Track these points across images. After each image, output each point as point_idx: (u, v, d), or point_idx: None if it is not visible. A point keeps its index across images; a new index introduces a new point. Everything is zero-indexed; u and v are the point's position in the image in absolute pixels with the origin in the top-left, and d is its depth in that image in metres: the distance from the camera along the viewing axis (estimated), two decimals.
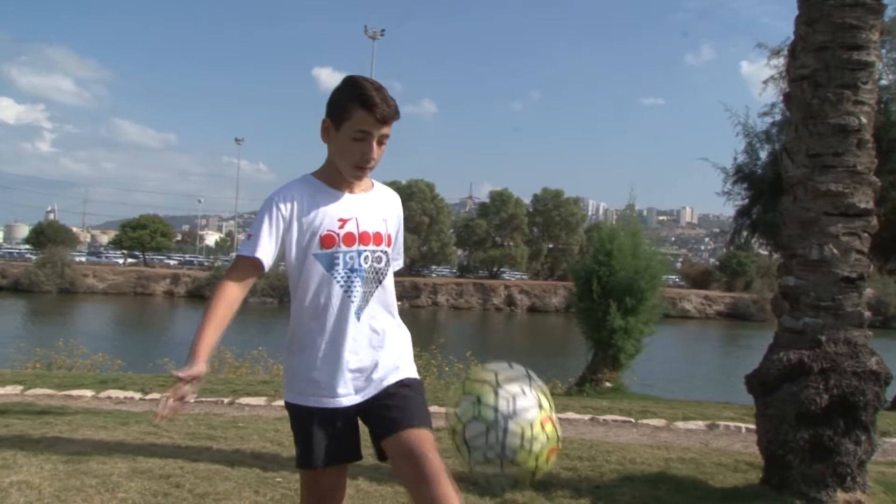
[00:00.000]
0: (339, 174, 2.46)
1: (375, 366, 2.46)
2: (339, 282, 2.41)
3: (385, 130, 2.38)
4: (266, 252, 2.38)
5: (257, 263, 2.38)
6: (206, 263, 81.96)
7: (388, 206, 2.58)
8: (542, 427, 2.14)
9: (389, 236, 2.53)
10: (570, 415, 8.40)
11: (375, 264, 2.47)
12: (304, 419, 2.48)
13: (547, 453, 2.14)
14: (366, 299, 2.45)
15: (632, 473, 5.36)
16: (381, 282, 2.49)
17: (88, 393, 9.04)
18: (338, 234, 2.41)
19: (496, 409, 2.16)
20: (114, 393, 9.09)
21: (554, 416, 2.21)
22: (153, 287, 65.86)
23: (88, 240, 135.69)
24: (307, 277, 2.42)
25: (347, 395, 2.44)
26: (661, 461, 5.80)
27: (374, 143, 2.37)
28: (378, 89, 2.34)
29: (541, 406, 2.18)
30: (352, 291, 2.42)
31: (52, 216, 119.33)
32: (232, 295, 2.37)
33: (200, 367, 2.30)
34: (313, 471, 2.51)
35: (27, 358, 14.47)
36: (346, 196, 2.47)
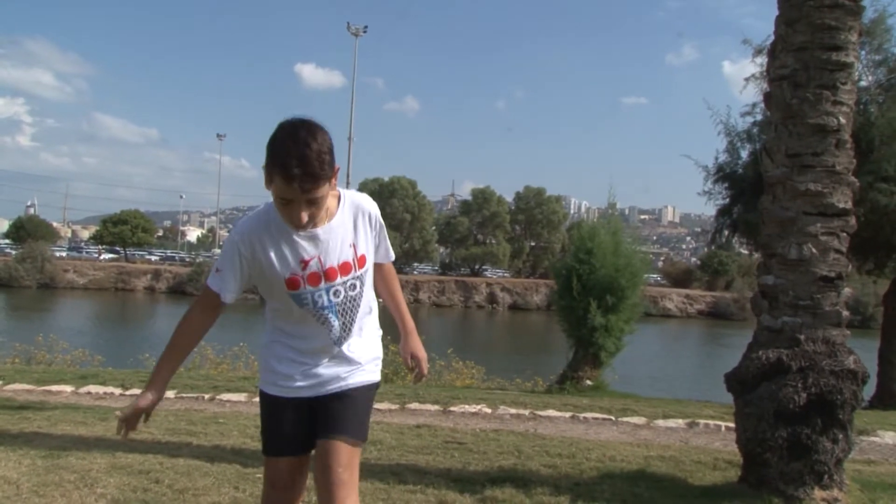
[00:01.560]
0: None
1: (338, 372, 2.53)
2: (314, 316, 2.47)
3: (310, 195, 2.24)
4: (230, 289, 2.45)
5: (221, 298, 2.47)
6: (187, 259, 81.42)
7: (356, 225, 2.50)
8: None
9: (363, 257, 2.50)
10: (551, 412, 8.43)
11: (349, 292, 2.48)
12: (266, 406, 2.60)
13: None
14: (346, 329, 2.50)
15: (612, 471, 5.38)
16: (359, 306, 2.51)
17: (68, 388, 8.99)
18: (302, 276, 2.40)
19: None
20: (94, 388, 9.05)
21: None
22: (134, 283, 65.44)
23: (69, 235, 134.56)
24: (283, 304, 2.49)
25: (305, 386, 2.51)
26: (641, 459, 5.83)
27: (302, 207, 2.26)
28: (300, 154, 2.18)
29: None
30: (329, 324, 2.48)
31: (32, 211, 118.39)
32: (195, 324, 2.49)
33: (152, 396, 2.44)
34: (267, 458, 2.61)
35: (6, 353, 14.33)
36: (306, 234, 2.39)
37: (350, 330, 2.51)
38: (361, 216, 2.50)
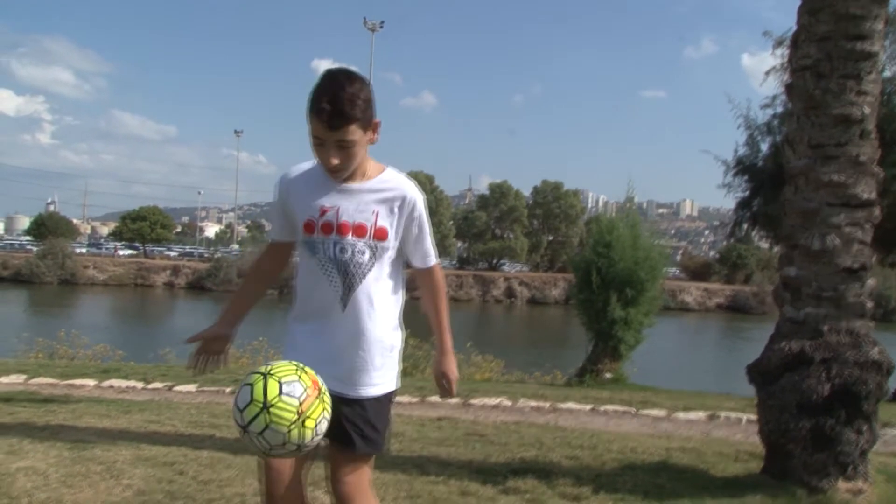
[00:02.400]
0: None
1: (351, 367, 2.45)
2: (322, 269, 2.42)
3: (340, 136, 2.28)
4: (276, 229, 2.59)
5: (271, 244, 2.64)
6: (206, 255, 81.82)
7: (385, 197, 2.45)
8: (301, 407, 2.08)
9: (383, 229, 2.43)
10: (571, 405, 8.43)
11: (357, 256, 2.42)
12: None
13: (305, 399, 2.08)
14: (348, 290, 2.42)
15: (633, 462, 5.38)
16: (364, 276, 2.43)
17: (91, 382, 9.08)
18: (316, 223, 2.41)
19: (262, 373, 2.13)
20: (116, 382, 9.14)
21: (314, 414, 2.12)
22: (153, 278, 65.82)
23: (88, 231, 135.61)
24: (300, 259, 2.52)
25: (313, 351, 2.43)
26: (662, 451, 5.82)
27: (332, 149, 2.30)
28: (333, 92, 2.25)
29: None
30: (332, 280, 2.42)
31: (52, 208, 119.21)
32: (257, 269, 2.67)
33: (217, 328, 2.51)
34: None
35: (30, 348, 14.50)
36: (336, 185, 2.42)
37: (352, 292, 2.42)
38: (398, 194, 2.46)
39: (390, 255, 2.48)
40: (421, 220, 2.51)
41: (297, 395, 2.08)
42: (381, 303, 2.48)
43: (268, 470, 2.48)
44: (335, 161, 2.30)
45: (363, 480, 2.49)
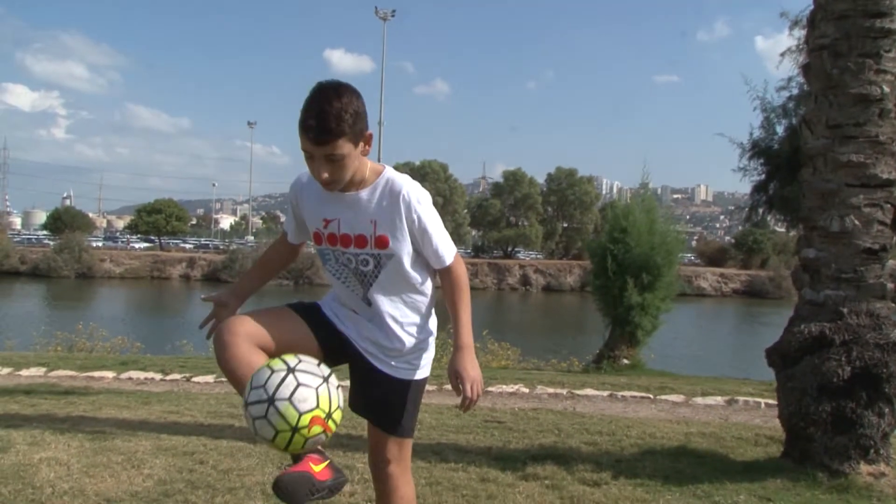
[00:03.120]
0: None
1: (388, 350, 2.54)
2: (338, 275, 2.52)
3: (327, 151, 2.25)
4: (290, 230, 2.67)
5: (282, 237, 2.75)
6: (221, 247, 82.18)
7: (384, 204, 2.39)
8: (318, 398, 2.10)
9: (383, 238, 2.40)
10: (589, 391, 8.41)
11: (360, 266, 2.45)
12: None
13: (311, 419, 2.08)
14: (366, 289, 2.49)
15: (652, 447, 5.37)
16: (372, 283, 2.47)
17: (110, 374, 9.13)
18: (322, 234, 2.48)
19: (286, 364, 2.14)
20: (134, 374, 9.18)
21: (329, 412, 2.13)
22: (169, 271, 66.15)
23: (104, 225, 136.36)
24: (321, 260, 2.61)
25: (349, 314, 2.57)
26: (681, 435, 5.81)
27: (322, 164, 2.27)
28: (319, 109, 2.22)
29: (318, 403, 2.10)
30: (347, 282, 2.51)
31: (68, 202, 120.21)
32: (271, 253, 2.79)
33: (226, 295, 2.61)
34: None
35: (49, 341, 14.61)
36: (337, 195, 2.40)
37: (369, 290, 2.48)
38: (393, 198, 2.38)
39: (399, 259, 2.44)
40: (422, 221, 2.41)
41: (305, 409, 2.10)
42: (400, 302, 2.52)
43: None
44: (325, 175, 2.29)
45: (403, 460, 2.60)
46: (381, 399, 2.55)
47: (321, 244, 2.49)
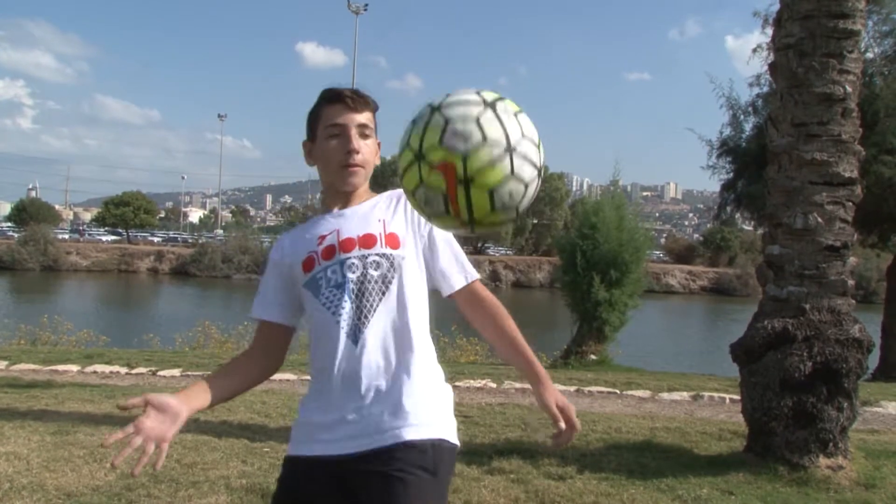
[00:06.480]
0: (331, 195, 2.08)
1: (376, 406, 1.88)
2: (325, 304, 1.95)
3: (361, 119, 2.00)
4: (263, 308, 2.06)
5: (261, 322, 2.06)
6: (190, 240, 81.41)
7: (389, 206, 2.07)
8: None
9: (394, 235, 2.00)
10: (556, 386, 8.44)
11: (370, 270, 1.95)
12: (281, 473, 2.00)
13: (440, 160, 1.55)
14: (360, 315, 1.92)
15: (618, 442, 5.41)
16: (384, 293, 1.94)
17: (74, 368, 9.02)
18: (316, 253, 1.99)
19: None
20: (100, 367, 9.08)
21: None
22: (137, 264, 65.40)
23: (71, 217, 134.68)
24: (308, 318, 2.03)
25: (330, 441, 1.88)
26: (647, 430, 5.86)
27: (354, 134, 1.99)
28: (349, 88, 2.05)
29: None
30: (338, 310, 1.93)
31: (34, 194, 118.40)
32: (237, 360, 2.08)
33: (167, 397, 1.82)
34: None
35: (11, 335, 14.39)
36: (333, 213, 2.05)
37: (365, 318, 1.91)
38: (398, 200, 2.07)
39: (411, 267, 2.00)
40: (435, 228, 2.03)
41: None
42: (412, 333, 1.95)
43: None
44: (357, 146, 1.99)
45: None
46: (413, 475, 1.80)
47: (313, 268, 1.98)
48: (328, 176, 2.06)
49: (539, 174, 1.65)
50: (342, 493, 1.84)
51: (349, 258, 1.96)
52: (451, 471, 1.94)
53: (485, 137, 1.55)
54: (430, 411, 1.90)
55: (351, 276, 1.94)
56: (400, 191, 2.03)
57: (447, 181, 1.54)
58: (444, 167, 1.54)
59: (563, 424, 1.98)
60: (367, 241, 1.98)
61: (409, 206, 1.96)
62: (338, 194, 2.06)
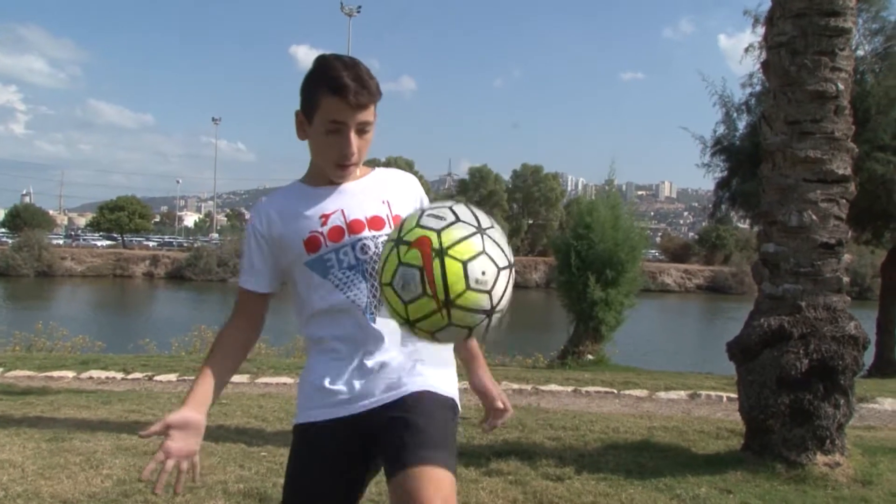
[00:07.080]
0: (320, 172, 2.05)
1: (390, 363, 1.97)
2: (337, 285, 1.97)
3: (363, 117, 1.93)
4: (256, 280, 2.05)
5: (251, 294, 2.05)
6: (185, 244, 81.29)
7: (390, 185, 2.09)
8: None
9: (398, 218, 1.97)
10: (553, 387, 8.45)
11: (381, 250, 1.87)
12: (294, 450, 2.04)
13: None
14: (376, 293, 1.96)
15: (615, 442, 5.41)
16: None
17: (70, 374, 9.00)
18: (322, 234, 1.98)
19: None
20: (95, 373, 9.06)
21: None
22: (132, 269, 65.29)
23: (65, 222, 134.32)
24: (307, 292, 2.03)
25: (349, 402, 1.95)
26: (644, 430, 5.86)
27: (352, 134, 1.93)
28: (351, 68, 1.90)
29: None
30: (352, 289, 1.97)
31: (27, 199, 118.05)
32: (229, 337, 2.03)
33: (184, 413, 1.84)
34: None
35: (6, 341, 14.32)
36: (329, 189, 2.03)
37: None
38: (396, 183, 2.11)
39: None
40: (424, 199, 2.12)
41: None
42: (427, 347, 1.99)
43: None
44: (354, 149, 1.95)
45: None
46: (426, 416, 1.92)
47: (318, 249, 1.98)
48: (321, 162, 2.05)
49: (510, 271, 1.72)
50: (363, 441, 1.94)
51: (360, 240, 1.99)
52: (456, 430, 2.04)
53: (458, 218, 1.67)
54: (442, 379, 2.03)
55: (363, 256, 1.99)
56: (400, 173, 2.16)
57: (423, 254, 1.62)
58: (419, 242, 1.63)
59: (500, 404, 2.18)
60: (375, 223, 2.01)
61: (413, 186, 2.12)
62: (327, 175, 2.06)
